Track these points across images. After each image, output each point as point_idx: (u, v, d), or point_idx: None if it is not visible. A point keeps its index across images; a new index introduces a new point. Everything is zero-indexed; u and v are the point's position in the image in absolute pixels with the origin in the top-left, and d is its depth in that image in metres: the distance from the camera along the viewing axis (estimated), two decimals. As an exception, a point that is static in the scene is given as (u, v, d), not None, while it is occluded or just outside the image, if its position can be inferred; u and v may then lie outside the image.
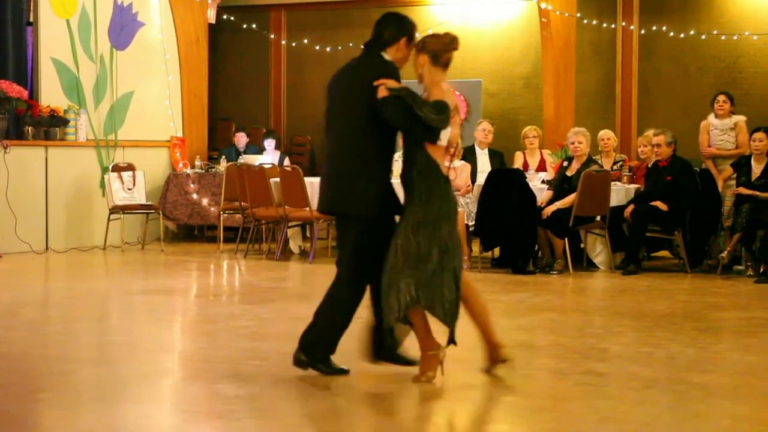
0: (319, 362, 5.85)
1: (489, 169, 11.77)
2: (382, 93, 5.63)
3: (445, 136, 5.69)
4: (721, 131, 11.75)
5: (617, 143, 12.74)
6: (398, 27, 5.92)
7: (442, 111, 5.64)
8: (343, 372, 5.89)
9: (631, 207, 11.10)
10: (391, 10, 6.18)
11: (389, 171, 5.89)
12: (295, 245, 12.67)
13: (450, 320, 5.70)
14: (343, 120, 5.87)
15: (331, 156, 5.93)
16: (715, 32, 13.99)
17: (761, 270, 10.45)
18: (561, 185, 11.18)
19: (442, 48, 5.82)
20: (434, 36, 5.90)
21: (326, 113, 5.99)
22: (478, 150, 12.37)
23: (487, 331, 5.93)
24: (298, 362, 5.87)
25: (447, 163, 5.82)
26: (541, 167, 12.24)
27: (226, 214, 13.46)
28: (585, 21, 14.47)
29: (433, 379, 5.73)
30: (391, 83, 5.66)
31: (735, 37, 13.95)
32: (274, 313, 8.22)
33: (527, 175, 11.49)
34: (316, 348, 5.87)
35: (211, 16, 15.81)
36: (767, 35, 13.53)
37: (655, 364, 6.43)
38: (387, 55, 5.88)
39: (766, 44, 13.75)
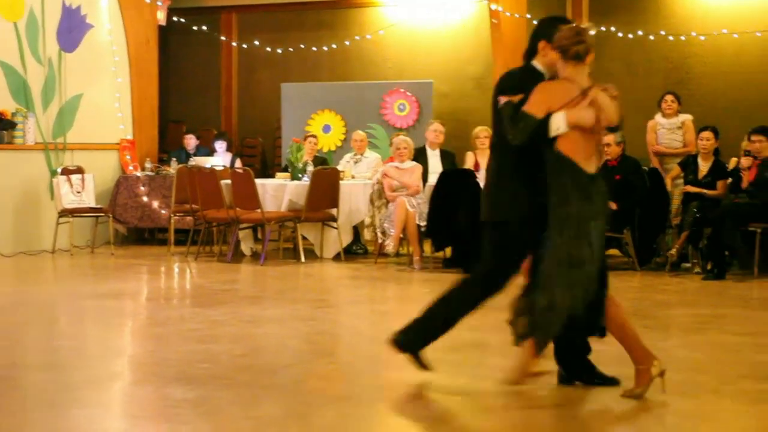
0: (412, 351, 5.88)
1: (440, 169, 11.81)
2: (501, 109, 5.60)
3: (562, 123, 5.44)
4: (668, 130, 11.88)
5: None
6: (535, 32, 5.80)
7: (515, 123, 5.45)
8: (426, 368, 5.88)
9: (580, 206, 11.15)
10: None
11: (529, 178, 5.68)
12: (246, 247, 12.63)
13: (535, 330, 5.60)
14: (492, 134, 5.95)
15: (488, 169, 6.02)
16: (662, 33, 14.12)
17: (708, 267, 10.56)
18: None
19: (568, 42, 5.53)
20: (561, 30, 5.61)
21: None
22: (429, 151, 12.40)
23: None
24: (394, 341, 5.90)
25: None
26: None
27: (176, 217, 13.38)
28: (535, 22, 14.50)
29: (642, 396, 5.50)
30: (504, 99, 5.56)
31: (683, 38, 14.09)
32: (225, 316, 8.19)
33: (478, 176, 11.53)
34: (415, 337, 5.90)
35: (161, 17, 15.71)
36: (714, 36, 13.66)
37: (605, 362, 6.46)
38: (538, 63, 5.75)
39: (713, 45, 13.89)
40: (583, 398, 5.62)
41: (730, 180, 11.09)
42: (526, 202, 5.61)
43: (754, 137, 10.71)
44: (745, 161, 10.76)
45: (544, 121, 5.41)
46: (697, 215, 10.71)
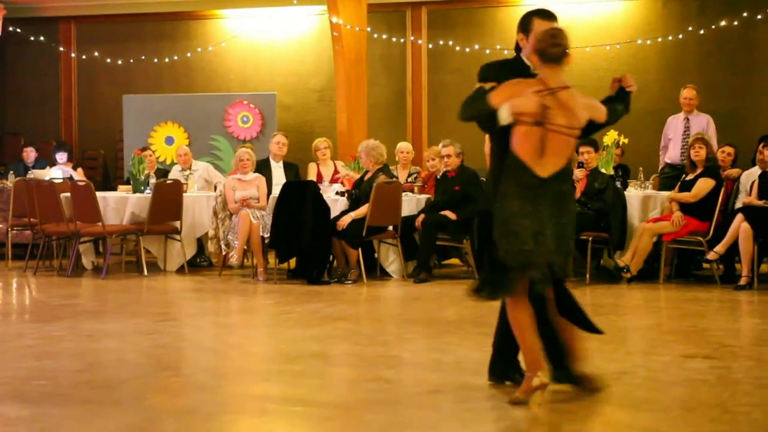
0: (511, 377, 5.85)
1: (284, 181, 11.79)
2: None
3: (505, 113, 5.43)
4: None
5: (414, 155, 12.98)
6: (519, 25, 5.82)
7: (470, 101, 5.52)
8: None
9: (421, 216, 11.31)
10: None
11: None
12: (87, 261, 12.36)
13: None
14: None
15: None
16: (498, 47, 14.42)
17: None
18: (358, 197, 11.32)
19: (544, 45, 5.51)
20: (540, 33, 5.61)
21: None
22: (273, 163, 12.38)
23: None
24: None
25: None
26: (336, 179, 12.34)
27: (14, 231, 13.02)
28: (375, 35, 14.69)
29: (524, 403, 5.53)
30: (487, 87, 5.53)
31: (518, 52, 14.39)
32: (63, 331, 7.99)
33: (321, 187, 11.56)
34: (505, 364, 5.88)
35: (-3, 27, 15.30)
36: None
37: (443, 369, 6.55)
38: (524, 56, 5.76)
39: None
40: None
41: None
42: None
43: (581, 149, 10.99)
44: (579, 173, 11.05)
45: (493, 114, 5.45)
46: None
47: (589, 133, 5.89)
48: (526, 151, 5.48)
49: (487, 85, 5.58)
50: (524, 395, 5.53)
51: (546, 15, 5.83)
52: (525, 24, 5.80)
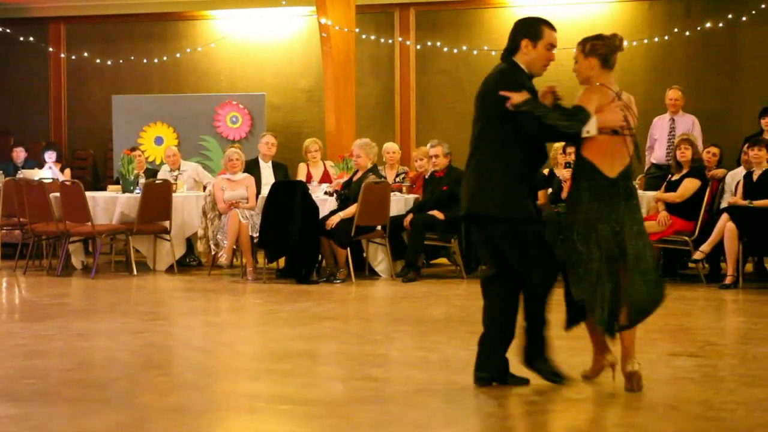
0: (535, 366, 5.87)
1: (273, 181, 11.79)
2: (508, 106, 5.59)
3: (592, 126, 5.63)
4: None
5: (401, 155, 12.99)
6: (517, 31, 5.83)
7: (572, 115, 5.63)
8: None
9: (410, 216, 11.32)
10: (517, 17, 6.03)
11: (526, 173, 5.82)
12: (77, 261, 12.35)
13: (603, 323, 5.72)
14: (478, 128, 5.83)
15: (470, 164, 5.91)
16: (485, 48, 14.44)
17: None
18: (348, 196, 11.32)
19: (611, 50, 5.76)
20: (601, 38, 5.80)
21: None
22: (262, 163, 12.38)
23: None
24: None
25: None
26: (325, 179, 12.35)
27: (4, 231, 12.99)
28: (364, 36, 14.69)
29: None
30: (516, 98, 5.58)
31: (505, 53, 14.42)
32: (53, 331, 7.98)
33: (310, 187, 11.56)
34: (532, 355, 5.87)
35: (-14, 28, 15.27)
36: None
37: (430, 368, 6.56)
38: (519, 60, 5.78)
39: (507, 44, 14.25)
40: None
41: (550, 190, 11.41)
42: (517, 201, 5.75)
43: (569, 149, 11.00)
44: (566, 173, 11.07)
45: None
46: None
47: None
48: (602, 156, 5.69)
49: (519, 94, 5.61)
50: (593, 374, 5.90)
51: (551, 25, 5.94)
52: (535, 31, 5.81)
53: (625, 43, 5.97)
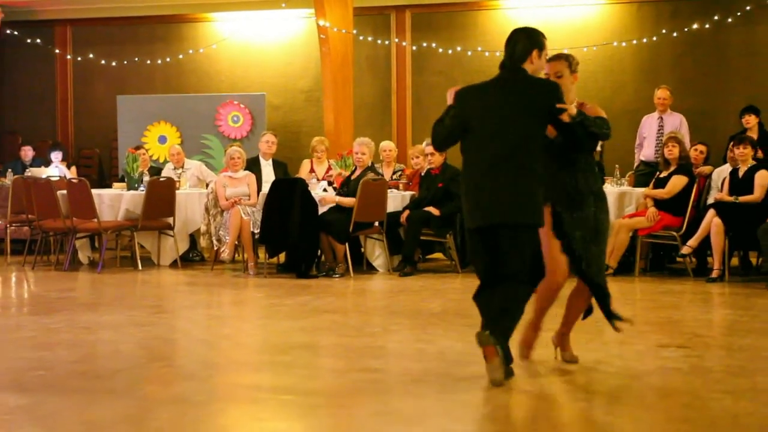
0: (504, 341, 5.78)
1: (273, 178, 11.78)
2: (566, 118, 5.72)
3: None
4: (487, 140, 12.11)
5: (397, 153, 12.99)
6: (527, 40, 5.87)
7: (607, 125, 5.93)
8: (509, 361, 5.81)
9: (406, 212, 11.32)
10: (518, 27, 6.04)
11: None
12: (83, 256, 12.34)
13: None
14: (511, 135, 5.72)
15: (499, 170, 5.76)
16: (479, 49, 14.45)
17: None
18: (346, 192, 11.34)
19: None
20: (573, 57, 6.20)
21: (476, 128, 5.83)
22: (262, 161, 12.37)
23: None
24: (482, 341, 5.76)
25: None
26: (327, 177, 12.34)
27: (13, 227, 12.98)
28: (361, 38, 14.68)
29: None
30: (572, 109, 5.74)
31: (497, 53, 14.39)
32: (61, 323, 7.98)
33: (310, 184, 11.56)
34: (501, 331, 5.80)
35: (-5, 30, 15.25)
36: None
37: (427, 359, 6.56)
38: (527, 69, 5.86)
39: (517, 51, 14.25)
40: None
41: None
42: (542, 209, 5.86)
43: None
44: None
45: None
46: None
47: None
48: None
49: (572, 109, 5.77)
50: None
51: (541, 35, 6.05)
52: (541, 42, 5.91)
53: (584, 48, 6.22)
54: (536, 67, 5.88)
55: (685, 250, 10.58)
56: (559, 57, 6.12)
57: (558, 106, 5.73)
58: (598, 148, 11.87)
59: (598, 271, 6.00)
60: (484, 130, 5.79)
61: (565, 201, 5.95)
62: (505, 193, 5.73)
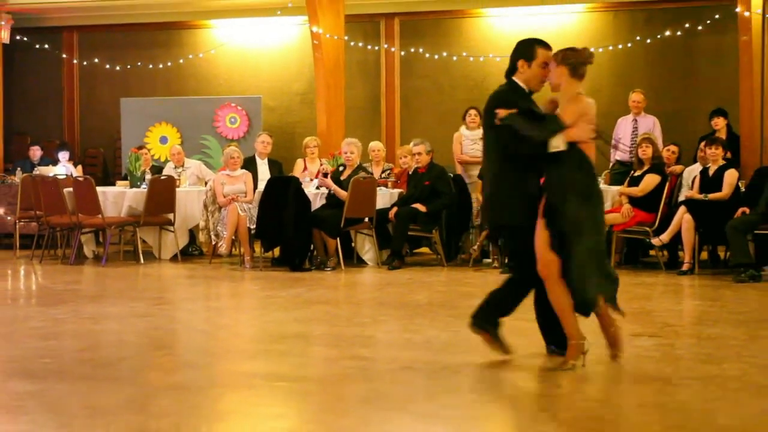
0: (490, 326, 5.91)
1: (269, 177, 11.77)
2: (497, 121, 5.69)
3: (560, 141, 5.67)
4: (472, 141, 12.14)
5: (386, 153, 12.99)
6: (514, 52, 5.90)
7: (543, 126, 5.68)
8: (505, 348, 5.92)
9: (394, 209, 11.32)
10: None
11: (526, 182, 5.83)
12: (89, 250, 12.32)
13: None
14: (486, 144, 6.00)
15: (486, 178, 6.02)
16: (464, 54, 14.45)
17: (506, 261, 10.83)
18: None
19: (581, 61, 5.78)
20: (573, 50, 5.84)
21: None
22: (258, 160, 12.37)
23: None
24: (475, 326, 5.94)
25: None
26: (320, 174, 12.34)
27: (22, 223, 12.95)
28: (352, 44, 14.67)
29: (574, 368, 5.70)
30: (501, 113, 5.67)
31: (482, 59, 14.46)
32: (67, 314, 7.97)
33: (303, 182, 11.55)
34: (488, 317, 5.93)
35: (5, 36, 15.22)
36: (508, 57, 14.07)
37: (414, 348, 6.57)
38: (518, 79, 5.86)
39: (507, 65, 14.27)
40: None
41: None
42: (528, 205, 5.81)
43: None
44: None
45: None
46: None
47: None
48: (586, 147, 5.80)
49: (503, 112, 5.70)
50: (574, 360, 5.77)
51: (546, 44, 5.97)
52: (529, 51, 5.87)
53: (594, 54, 5.91)
54: (527, 76, 5.85)
55: (656, 241, 10.60)
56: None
57: (496, 111, 5.73)
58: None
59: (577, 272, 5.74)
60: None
61: (552, 196, 5.92)
62: (486, 198, 6.02)
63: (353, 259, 11.50)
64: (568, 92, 5.79)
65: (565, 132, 5.67)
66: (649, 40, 13.99)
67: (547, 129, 5.70)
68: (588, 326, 5.94)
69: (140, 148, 13.16)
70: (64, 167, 13.76)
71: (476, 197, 11.64)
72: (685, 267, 10.37)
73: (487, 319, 6.02)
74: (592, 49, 5.90)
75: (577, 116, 5.73)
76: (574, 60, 5.80)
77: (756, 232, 10.15)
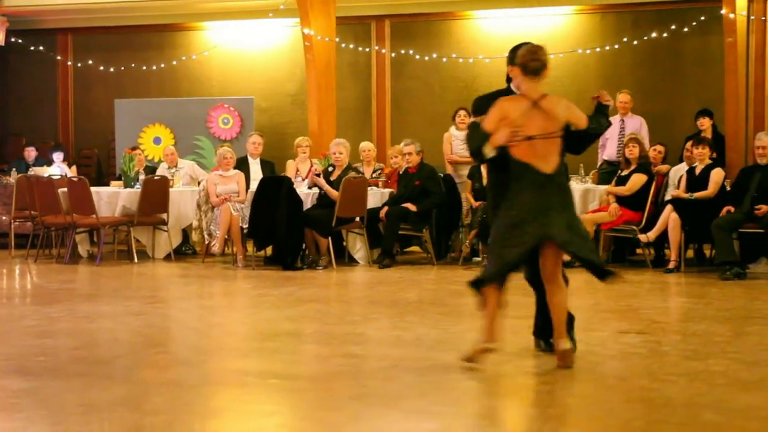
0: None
1: (261, 177, 11.76)
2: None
3: (488, 149, 5.61)
4: (461, 141, 12.14)
5: (376, 153, 12.99)
6: (507, 59, 5.90)
7: (471, 138, 5.71)
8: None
9: (385, 208, 11.33)
10: None
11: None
12: (83, 249, 12.30)
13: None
14: None
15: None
16: (454, 56, 14.46)
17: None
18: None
19: (529, 59, 5.67)
20: (516, 48, 5.81)
21: None
22: (250, 160, 12.36)
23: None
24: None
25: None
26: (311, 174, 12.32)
27: (17, 223, 12.92)
28: (343, 45, 14.67)
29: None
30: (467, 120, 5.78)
31: (471, 60, 14.47)
32: (62, 313, 7.95)
33: (295, 182, 11.54)
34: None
35: (0, 38, 15.16)
36: (497, 59, 14.04)
37: (404, 345, 6.58)
38: (512, 84, 5.89)
39: (497, 67, 14.21)
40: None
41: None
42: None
43: None
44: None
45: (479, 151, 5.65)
46: (484, 216, 10.98)
47: (582, 144, 5.94)
48: (527, 154, 5.62)
49: (479, 119, 5.72)
50: (475, 355, 5.69)
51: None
52: (512, 56, 5.87)
53: (542, 49, 5.81)
54: (516, 81, 5.84)
55: (643, 238, 10.62)
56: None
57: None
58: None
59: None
60: None
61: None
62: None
63: (344, 258, 11.50)
64: (531, 92, 5.70)
65: (489, 140, 5.61)
66: (636, 42, 14.02)
67: (472, 139, 5.72)
68: (579, 325, 5.94)
69: (134, 148, 13.13)
70: (58, 168, 13.73)
71: (465, 197, 11.66)
72: (671, 265, 10.40)
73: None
74: (539, 48, 5.73)
75: (495, 122, 5.62)
76: (519, 59, 5.73)
77: (741, 230, 10.18)
